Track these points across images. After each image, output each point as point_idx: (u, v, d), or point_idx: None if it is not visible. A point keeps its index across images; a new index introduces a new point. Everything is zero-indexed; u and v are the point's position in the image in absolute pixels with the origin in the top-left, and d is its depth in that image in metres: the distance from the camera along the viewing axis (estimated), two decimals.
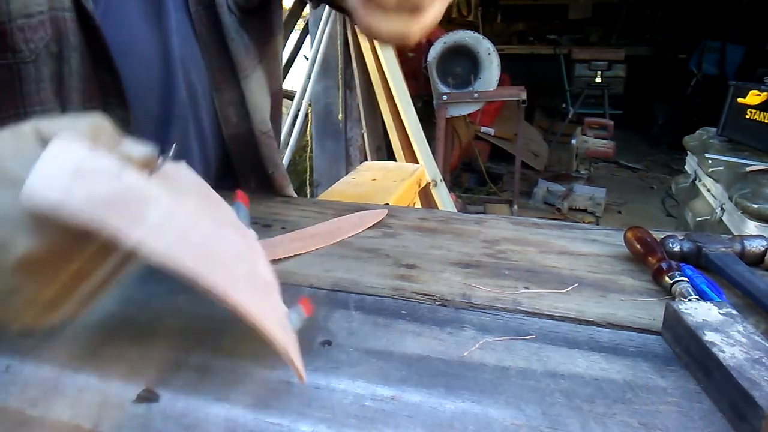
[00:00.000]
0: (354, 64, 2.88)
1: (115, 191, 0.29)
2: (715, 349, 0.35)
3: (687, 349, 0.38)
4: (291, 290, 0.44)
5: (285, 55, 3.26)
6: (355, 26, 0.41)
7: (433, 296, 0.47)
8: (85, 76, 0.54)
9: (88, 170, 0.29)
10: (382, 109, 2.81)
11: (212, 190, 0.43)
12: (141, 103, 0.58)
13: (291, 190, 0.81)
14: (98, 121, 0.34)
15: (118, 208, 0.29)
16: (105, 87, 0.54)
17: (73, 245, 0.31)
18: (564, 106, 4.99)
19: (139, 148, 0.34)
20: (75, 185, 0.28)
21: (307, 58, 3.19)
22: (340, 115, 3.00)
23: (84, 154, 0.30)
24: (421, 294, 0.48)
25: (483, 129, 4.06)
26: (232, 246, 0.37)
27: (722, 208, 1.66)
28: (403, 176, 1.09)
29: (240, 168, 0.72)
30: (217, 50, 0.63)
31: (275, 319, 0.35)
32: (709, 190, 1.83)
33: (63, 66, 0.52)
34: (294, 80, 3.64)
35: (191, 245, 0.31)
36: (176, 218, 0.32)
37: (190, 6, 0.61)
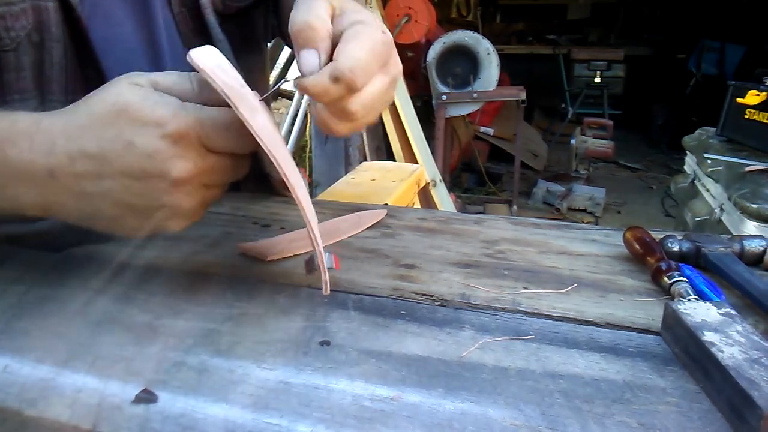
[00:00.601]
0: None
1: (241, 90, 0.39)
2: (714, 349, 0.35)
3: (686, 349, 0.38)
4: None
5: (284, 55, 3.26)
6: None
7: (432, 296, 0.47)
8: (67, 68, 0.53)
9: (227, 70, 0.39)
10: None
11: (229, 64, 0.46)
12: None
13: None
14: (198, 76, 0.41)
15: (241, 98, 0.38)
16: (90, 81, 0.54)
17: (205, 163, 0.40)
18: (563, 106, 4.99)
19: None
20: (218, 71, 0.38)
21: None
22: None
23: (224, 60, 0.40)
24: (420, 294, 0.48)
25: (482, 129, 4.06)
26: (278, 136, 0.44)
27: (721, 208, 1.66)
28: (403, 176, 1.09)
29: None
30: None
31: (312, 210, 0.43)
32: (708, 190, 1.83)
33: (44, 56, 0.52)
34: (294, 80, 3.63)
35: (278, 146, 0.40)
36: (270, 129, 0.40)
37: (173, 7, 0.60)
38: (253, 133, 0.38)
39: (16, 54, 0.50)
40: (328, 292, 0.42)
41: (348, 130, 0.43)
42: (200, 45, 0.63)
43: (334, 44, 0.40)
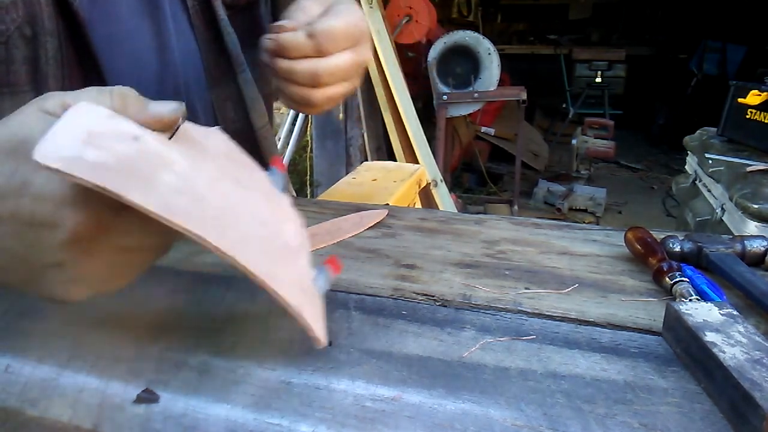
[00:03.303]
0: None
1: (128, 155, 0.30)
2: (715, 350, 0.35)
3: (687, 350, 0.38)
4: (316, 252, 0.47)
5: None
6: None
7: (433, 296, 0.47)
8: (63, 64, 0.52)
9: (103, 134, 0.30)
10: (382, 109, 2.80)
11: (245, 155, 0.43)
12: None
13: (290, 187, 0.81)
14: (122, 90, 0.34)
15: (129, 172, 0.29)
16: (90, 78, 0.54)
17: (118, 220, 0.32)
18: (564, 106, 4.99)
19: (163, 107, 0.35)
20: (86, 149, 0.29)
21: None
22: (340, 115, 3.00)
23: (101, 117, 0.31)
24: (421, 294, 0.48)
25: (483, 129, 4.06)
26: (253, 209, 0.37)
27: (723, 209, 1.66)
28: (404, 176, 1.09)
29: None
30: (213, 45, 0.63)
31: (291, 282, 0.35)
32: (709, 190, 1.83)
33: (38, 50, 0.51)
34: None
35: (204, 207, 0.32)
36: (192, 181, 0.32)
37: (188, 1, 0.61)
38: (159, 219, 0.29)
39: (6, 47, 0.49)
40: (325, 343, 0.37)
41: (318, 98, 0.48)
42: (211, 40, 0.63)
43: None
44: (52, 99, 0.33)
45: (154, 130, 0.33)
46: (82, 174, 0.28)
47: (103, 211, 0.31)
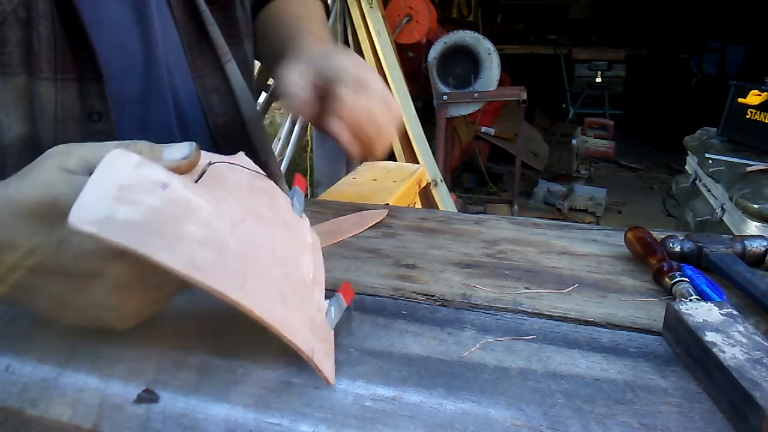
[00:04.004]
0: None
1: (156, 207, 0.31)
2: (715, 350, 0.35)
3: (687, 350, 0.38)
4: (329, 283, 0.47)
5: None
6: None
7: (433, 296, 0.47)
8: (56, 47, 0.53)
9: (132, 186, 0.31)
10: None
11: (267, 180, 0.45)
12: (120, 82, 0.58)
13: (283, 181, 0.81)
14: (137, 144, 0.36)
15: (157, 228, 0.31)
16: (81, 62, 0.54)
17: (157, 267, 0.32)
18: (564, 106, 4.99)
19: (179, 150, 0.36)
20: (117, 206, 0.30)
21: None
22: None
23: (130, 166, 0.32)
24: (421, 294, 0.48)
25: (483, 129, 4.06)
26: (273, 247, 0.39)
27: (723, 209, 1.66)
28: (404, 176, 1.09)
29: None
30: (196, 37, 0.63)
31: (304, 323, 0.36)
32: (709, 190, 1.83)
33: (32, 33, 0.51)
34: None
35: (226, 258, 0.33)
36: (216, 228, 0.33)
37: None
38: (185, 278, 0.31)
39: (2, 29, 0.49)
40: (333, 383, 0.36)
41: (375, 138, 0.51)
42: (194, 31, 0.63)
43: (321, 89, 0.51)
44: (72, 158, 0.35)
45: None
46: (113, 237, 0.30)
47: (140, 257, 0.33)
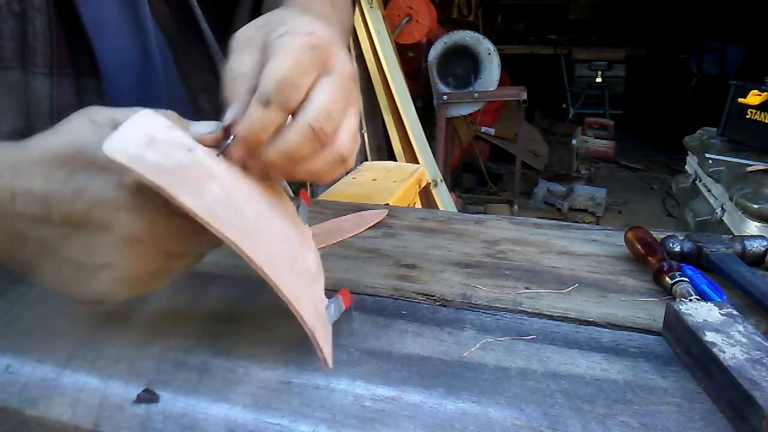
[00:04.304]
0: (354, 64, 2.87)
1: (182, 162, 0.32)
2: (715, 350, 0.35)
3: (687, 350, 0.38)
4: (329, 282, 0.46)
5: None
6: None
7: (433, 296, 0.47)
8: (52, 41, 0.53)
9: (162, 141, 0.32)
10: (382, 109, 2.80)
11: (277, 183, 0.45)
12: (117, 81, 0.58)
13: (283, 180, 0.80)
14: (167, 113, 0.36)
15: (182, 177, 0.32)
16: (78, 57, 0.54)
17: (166, 226, 0.34)
18: (564, 106, 4.99)
19: (206, 126, 0.36)
20: (147, 151, 0.31)
21: None
22: None
23: (160, 127, 0.33)
24: (421, 294, 0.48)
25: (483, 129, 4.06)
26: (282, 232, 0.39)
27: (723, 209, 1.66)
28: (404, 176, 1.09)
29: None
30: (182, 36, 0.63)
31: (310, 305, 0.37)
32: (709, 190, 1.83)
33: (27, 26, 0.51)
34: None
35: (243, 220, 0.34)
36: (234, 195, 0.34)
37: None
38: (205, 224, 0.31)
39: None
40: (331, 366, 0.37)
41: (332, 162, 0.37)
42: (180, 31, 0.63)
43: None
44: (101, 113, 0.35)
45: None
46: (143, 171, 0.30)
47: (155, 216, 0.33)
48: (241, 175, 0.37)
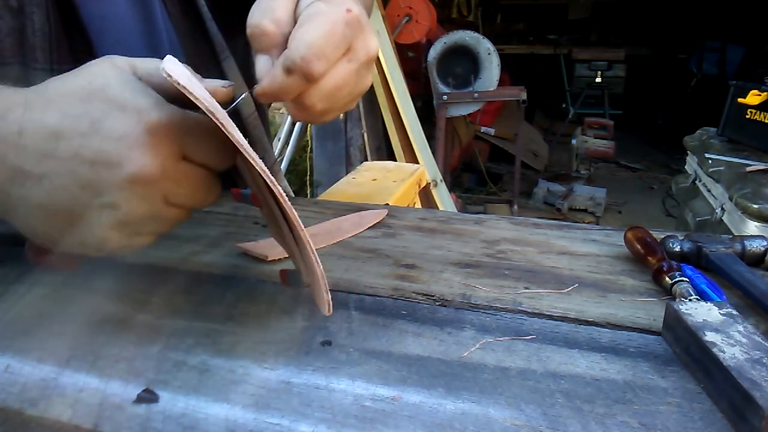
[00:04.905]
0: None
1: (204, 96, 0.34)
2: (715, 350, 0.35)
3: (687, 350, 0.38)
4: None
5: None
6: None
7: (433, 296, 0.47)
8: (51, 37, 0.52)
9: (191, 78, 0.35)
10: (382, 109, 2.81)
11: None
12: None
13: (281, 178, 0.81)
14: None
15: (208, 101, 0.33)
16: (79, 52, 0.53)
17: (174, 171, 0.35)
18: (564, 106, 5.00)
19: (216, 82, 0.38)
20: (190, 80, 0.33)
21: None
22: (340, 115, 3.00)
23: (185, 72, 0.36)
24: (421, 294, 0.48)
25: (483, 129, 4.06)
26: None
27: (722, 208, 1.66)
28: (403, 176, 1.09)
29: None
30: (192, 34, 0.63)
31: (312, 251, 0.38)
32: (709, 190, 1.83)
33: (25, 22, 0.51)
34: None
35: (257, 160, 0.35)
36: (245, 143, 0.35)
37: None
38: (237, 145, 0.34)
39: None
40: (331, 311, 0.38)
41: (318, 120, 0.40)
42: (190, 28, 0.64)
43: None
44: (120, 60, 0.37)
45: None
46: (195, 92, 0.32)
47: (167, 158, 0.34)
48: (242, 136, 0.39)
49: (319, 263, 0.37)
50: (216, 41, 0.64)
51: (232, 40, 0.67)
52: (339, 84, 0.37)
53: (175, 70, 0.33)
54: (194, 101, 0.32)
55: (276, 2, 0.37)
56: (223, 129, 0.33)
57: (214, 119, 0.33)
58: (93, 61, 0.37)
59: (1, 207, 0.37)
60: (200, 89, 0.34)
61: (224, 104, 0.38)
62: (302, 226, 0.36)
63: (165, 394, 0.35)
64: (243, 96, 0.39)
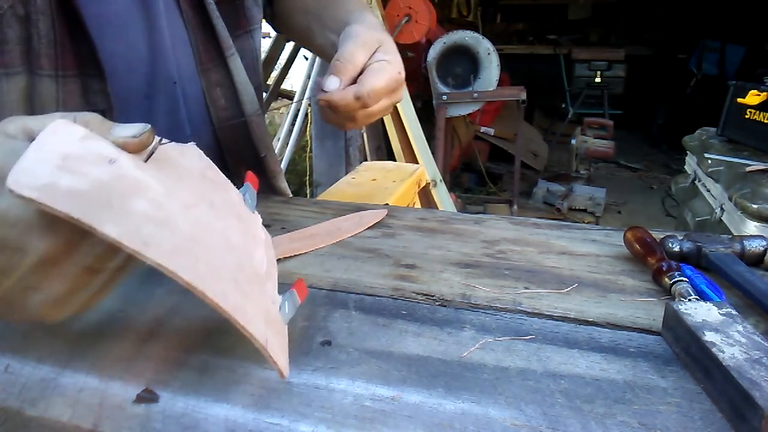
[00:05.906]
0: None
1: (102, 180, 0.29)
2: (714, 350, 0.35)
3: (687, 350, 0.38)
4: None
5: (285, 55, 3.26)
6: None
7: (432, 296, 0.47)
8: (56, 43, 0.52)
9: (77, 157, 0.29)
10: None
11: (219, 172, 0.43)
12: (124, 78, 0.58)
13: (282, 178, 0.81)
14: (85, 116, 0.34)
15: (103, 199, 0.29)
16: (82, 58, 0.54)
17: (84, 241, 0.31)
18: (564, 106, 4.99)
19: (130, 129, 0.34)
20: (61, 174, 0.28)
21: (306, 58, 3.19)
22: None
23: (76, 139, 0.30)
24: (420, 294, 0.48)
25: (483, 129, 4.06)
26: (225, 236, 0.37)
27: (722, 208, 1.66)
28: (403, 176, 1.09)
29: (231, 153, 0.70)
30: (202, 30, 0.63)
31: (258, 314, 0.35)
32: (708, 190, 1.83)
33: (31, 29, 0.51)
34: (294, 80, 3.64)
35: (177, 237, 0.31)
36: (166, 208, 0.31)
37: None
38: (134, 252, 0.29)
39: (0, 28, 0.49)
40: (287, 376, 0.35)
41: (350, 127, 0.60)
42: (200, 24, 0.63)
43: (360, 73, 0.56)
44: (13, 123, 0.33)
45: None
46: (56, 204, 0.27)
47: (70, 233, 0.31)
48: (176, 177, 0.35)
49: (257, 336, 0.33)
50: (222, 38, 0.64)
51: (237, 37, 0.68)
52: (379, 112, 0.59)
53: (23, 179, 0.27)
54: (51, 212, 0.28)
55: (358, 54, 0.57)
56: (122, 247, 0.28)
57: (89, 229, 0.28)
58: None
59: None
60: (72, 178, 0.28)
61: (140, 150, 0.34)
62: (227, 308, 0.32)
63: (165, 394, 0.35)
64: (154, 148, 0.35)
